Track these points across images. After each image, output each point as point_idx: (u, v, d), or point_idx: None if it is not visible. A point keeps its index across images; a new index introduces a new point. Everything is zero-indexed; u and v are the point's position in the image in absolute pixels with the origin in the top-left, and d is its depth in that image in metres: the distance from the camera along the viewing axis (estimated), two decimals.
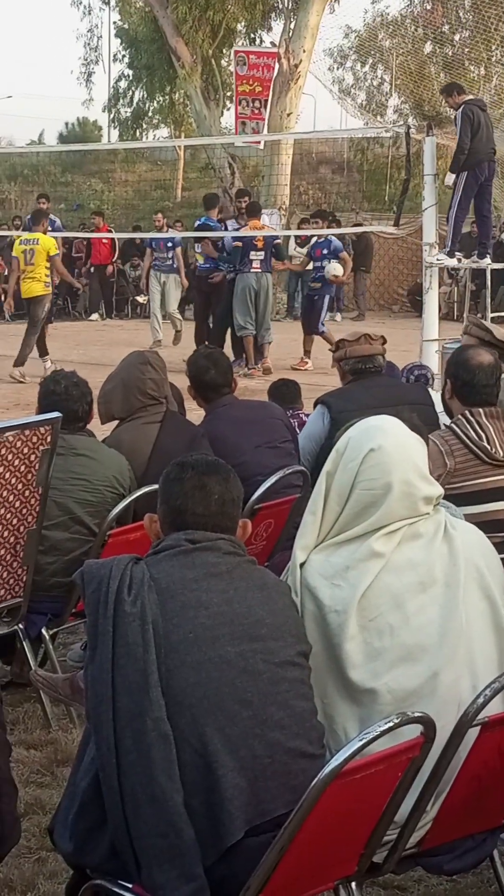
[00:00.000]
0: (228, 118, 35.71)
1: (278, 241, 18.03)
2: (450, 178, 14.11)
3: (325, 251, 18.05)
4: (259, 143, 27.55)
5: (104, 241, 26.04)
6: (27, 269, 16.68)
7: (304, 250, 27.20)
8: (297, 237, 26.56)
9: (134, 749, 3.04)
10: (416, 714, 3.02)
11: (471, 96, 14.81)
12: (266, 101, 27.61)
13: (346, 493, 3.52)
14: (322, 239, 18.28)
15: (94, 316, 27.50)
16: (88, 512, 5.68)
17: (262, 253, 17.36)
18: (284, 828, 2.84)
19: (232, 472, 3.51)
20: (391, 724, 2.92)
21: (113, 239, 26.87)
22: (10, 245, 19.77)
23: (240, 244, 17.32)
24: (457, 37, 31.40)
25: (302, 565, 3.51)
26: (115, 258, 27.79)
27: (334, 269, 17.79)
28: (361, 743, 2.85)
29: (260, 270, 17.38)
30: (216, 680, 3.09)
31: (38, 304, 16.72)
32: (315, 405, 6.74)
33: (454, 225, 14.00)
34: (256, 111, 27.92)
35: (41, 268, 16.63)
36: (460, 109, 13.91)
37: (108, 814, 3.09)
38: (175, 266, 20.02)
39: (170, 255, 19.92)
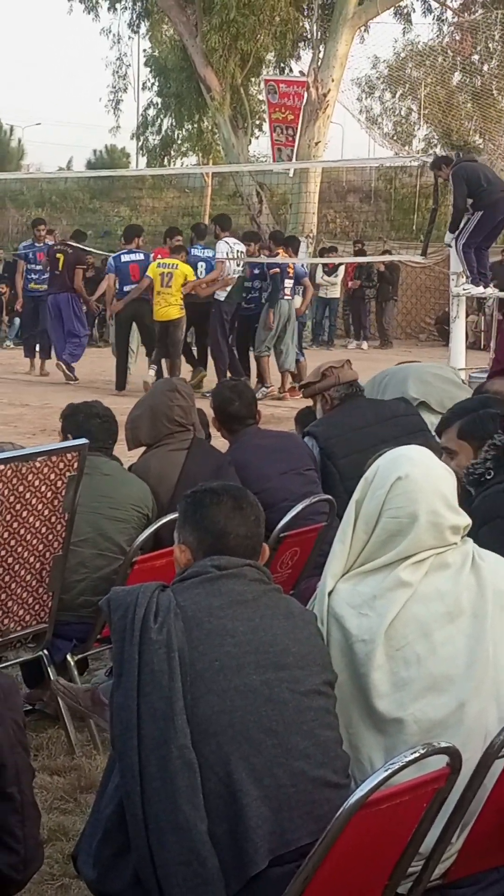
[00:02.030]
0: (256, 146, 35.94)
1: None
2: (448, 237, 14.19)
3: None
4: (288, 170, 27.65)
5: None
6: (162, 290, 17.06)
7: (332, 278, 27.40)
8: (324, 265, 26.65)
9: (158, 776, 3.04)
10: (443, 745, 3.00)
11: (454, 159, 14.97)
12: (296, 128, 27.75)
13: (374, 521, 3.51)
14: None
15: None
16: (118, 529, 5.71)
17: (292, 281, 17.60)
18: (309, 858, 2.82)
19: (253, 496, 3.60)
20: (417, 754, 2.90)
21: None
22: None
23: (278, 271, 17.44)
24: (485, 67, 31.53)
25: (329, 594, 3.50)
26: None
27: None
28: (387, 773, 2.83)
29: (290, 298, 17.59)
30: (241, 708, 3.09)
31: (177, 327, 17.24)
32: (303, 438, 6.83)
33: (465, 258, 13.99)
34: (290, 138, 28.06)
35: (177, 292, 17.05)
36: (450, 177, 14.11)
37: (132, 841, 3.08)
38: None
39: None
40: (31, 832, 3.08)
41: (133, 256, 17.72)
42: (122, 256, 17.81)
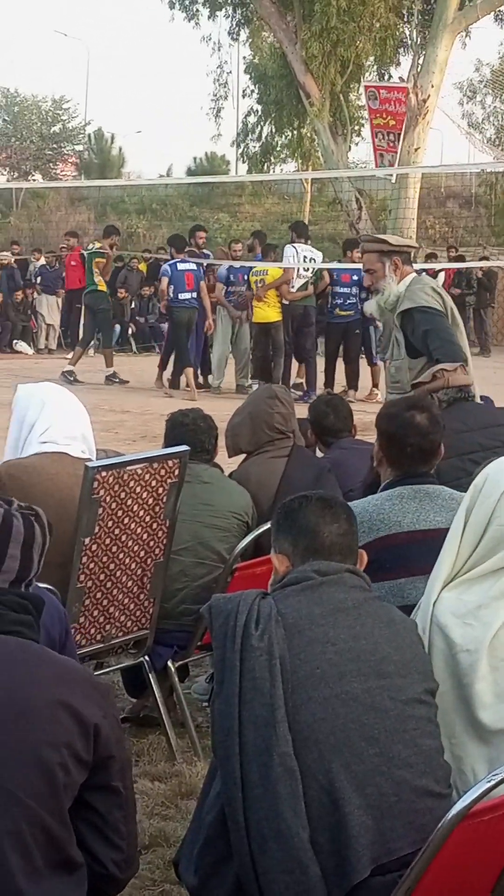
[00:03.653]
0: (356, 153, 35.84)
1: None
2: None
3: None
4: (391, 175, 27.55)
5: (73, 263, 23.05)
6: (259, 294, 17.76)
7: None
8: (426, 272, 26.49)
9: (260, 784, 3.03)
10: None
11: None
12: (399, 134, 27.62)
13: (482, 529, 3.49)
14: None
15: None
16: (218, 537, 5.72)
17: None
18: (411, 868, 2.81)
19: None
20: None
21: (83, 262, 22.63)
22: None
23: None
24: None
25: (434, 602, 3.48)
26: None
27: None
28: (490, 784, 2.81)
29: None
30: (343, 716, 3.07)
31: (277, 329, 17.84)
32: None
33: None
34: (391, 144, 27.95)
35: (273, 295, 17.71)
36: None
37: (234, 848, 3.08)
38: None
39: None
40: (132, 830, 3.09)
41: (188, 266, 18.00)
42: (178, 265, 18.04)
